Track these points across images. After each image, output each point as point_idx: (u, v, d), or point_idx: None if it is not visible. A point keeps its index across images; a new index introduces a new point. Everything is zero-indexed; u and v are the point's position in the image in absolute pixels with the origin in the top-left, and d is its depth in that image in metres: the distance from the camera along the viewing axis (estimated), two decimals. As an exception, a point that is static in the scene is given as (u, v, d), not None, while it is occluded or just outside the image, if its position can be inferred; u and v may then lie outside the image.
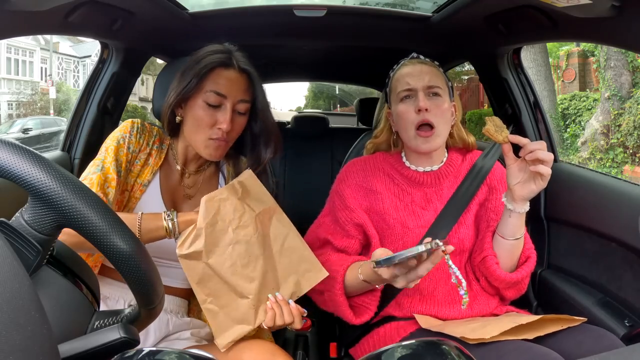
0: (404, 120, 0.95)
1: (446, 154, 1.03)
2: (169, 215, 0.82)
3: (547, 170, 0.80)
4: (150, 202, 0.91)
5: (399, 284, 0.73)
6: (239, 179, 0.86)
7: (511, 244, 0.91)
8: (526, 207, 0.87)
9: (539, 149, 0.79)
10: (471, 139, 1.04)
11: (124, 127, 0.91)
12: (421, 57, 1.01)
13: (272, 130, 0.95)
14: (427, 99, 0.94)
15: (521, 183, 0.84)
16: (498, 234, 0.92)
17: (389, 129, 1.05)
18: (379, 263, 0.70)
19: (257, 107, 0.93)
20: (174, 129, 0.94)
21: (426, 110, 0.92)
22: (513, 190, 0.85)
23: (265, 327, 0.83)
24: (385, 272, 0.73)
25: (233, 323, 0.81)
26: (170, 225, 0.81)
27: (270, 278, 0.83)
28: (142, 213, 0.82)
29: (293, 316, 0.83)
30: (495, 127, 0.84)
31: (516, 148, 0.84)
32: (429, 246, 0.67)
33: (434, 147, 0.95)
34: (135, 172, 0.91)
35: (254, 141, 0.96)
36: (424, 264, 0.71)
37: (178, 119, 0.92)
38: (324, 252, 0.99)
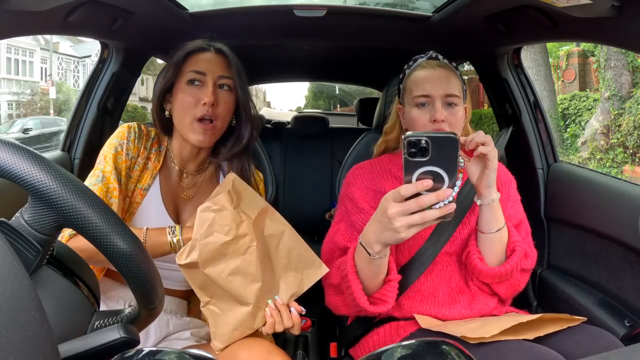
0: (417, 126, 0.94)
1: None
2: (173, 232, 0.82)
3: (487, 149, 0.81)
4: (151, 206, 0.90)
5: (399, 222, 0.66)
6: (228, 185, 0.85)
7: (490, 238, 0.90)
8: (493, 196, 0.86)
9: (475, 136, 0.81)
10: None
11: (120, 133, 0.89)
12: (440, 57, 0.99)
13: (249, 110, 0.96)
14: (445, 109, 0.92)
15: (480, 175, 0.85)
16: (478, 230, 0.92)
17: (400, 125, 1.04)
18: (407, 137, 0.61)
19: (237, 88, 0.94)
20: (166, 126, 0.94)
21: (442, 121, 0.91)
22: (476, 185, 0.86)
23: (264, 334, 0.83)
24: (392, 207, 0.66)
25: (231, 328, 0.81)
26: (175, 241, 0.82)
27: (269, 282, 0.83)
28: (147, 228, 0.82)
29: (293, 321, 0.82)
30: None
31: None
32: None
33: None
34: (135, 178, 0.90)
35: (240, 121, 0.97)
36: (430, 196, 0.63)
37: (167, 113, 0.93)
38: None
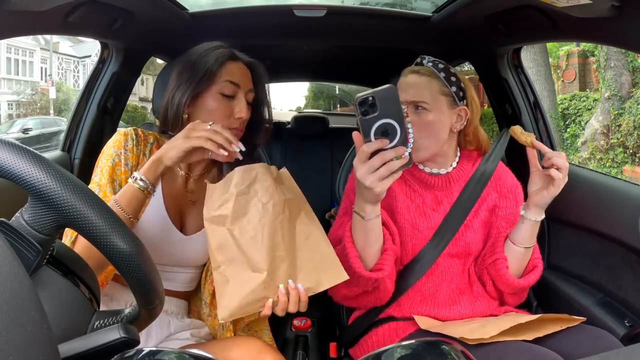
0: None
1: (457, 159, 1.02)
2: (134, 178, 0.79)
3: (558, 175, 0.83)
4: (153, 214, 0.88)
5: (368, 179, 0.72)
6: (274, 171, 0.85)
7: (520, 251, 0.92)
8: (538, 216, 0.89)
9: (557, 156, 0.84)
10: (484, 141, 1.02)
11: (116, 142, 0.86)
12: (424, 61, 0.99)
13: (269, 119, 0.99)
14: (412, 114, 0.94)
15: (537, 190, 0.88)
16: (509, 239, 0.93)
17: None
18: (356, 98, 0.70)
19: (261, 97, 0.96)
20: (174, 126, 0.90)
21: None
22: (530, 196, 0.89)
23: (266, 313, 0.79)
24: (359, 168, 0.72)
25: (241, 296, 0.77)
26: (141, 183, 0.78)
27: (287, 267, 0.80)
28: (114, 197, 0.79)
29: (299, 306, 0.79)
30: (521, 130, 0.90)
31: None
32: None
33: (415, 159, 0.96)
34: None
35: (253, 130, 0.97)
36: (390, 152, 0.70)
37: (186, 116, 0.89)
38: None
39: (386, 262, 0.85)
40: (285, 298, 0.78)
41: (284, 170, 0.89)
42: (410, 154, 0.71)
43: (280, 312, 0.79)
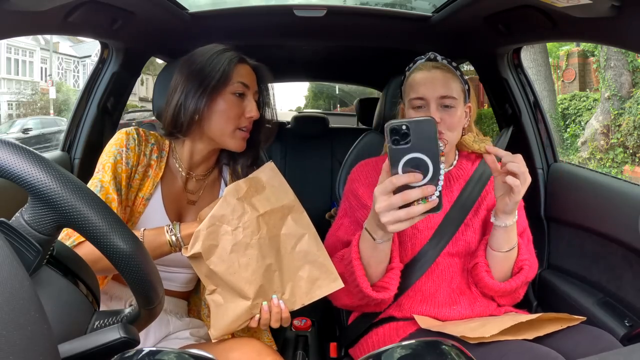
0: None
1: (456, 158, 1.02)
2: (171, 230, 0.81)
3: (514, 182, 0.79)
4: (154, 215, 0.88)
5: (385, 217, 0.68)
6: (255, 174, 0.83)
7: (498, 256, 0.90)
8: (507, 221, 0.86)
9: (511, 161, 0.80)
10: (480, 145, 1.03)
11: (119, 140, 0.86)
12: (438, 57, 0.99)
13: (272, 119, 1.00)
14: (439, 111, 0.92)
15: (501, 197, 0.85)
16: (488, 245, 0.92)
17: None
18: (389, 124, 0.65)
19: (265, 98, 0.98)
20: (182, 130, 0.90)
21: (437, 123, 0.92)
22: (497, 202, 0.86)
23: (252, 326, 0.82)
24: (379, 201, 0.68)
25: (230, 320, 0.80)
26: (174, 240, 0.80)
27: (274, 282, 0.81)
28: (144, 230, 0.81)
29: (280, 322, 0.81)
30: (474, 138, 0.86)
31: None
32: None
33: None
34: (135, 187, 0.87)
35: (257, 130, 0.97)
36: (415, 191, 0.66)
37: (196, 117, 0.88)
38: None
39: (392, 281, 0.86)
40: (268, 315, 0.80)
41: (268, 167, 0.84)
42: (440, 196, 0.65)
43: (262, 327, 0.81)
